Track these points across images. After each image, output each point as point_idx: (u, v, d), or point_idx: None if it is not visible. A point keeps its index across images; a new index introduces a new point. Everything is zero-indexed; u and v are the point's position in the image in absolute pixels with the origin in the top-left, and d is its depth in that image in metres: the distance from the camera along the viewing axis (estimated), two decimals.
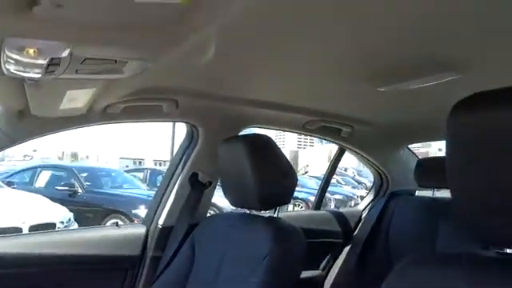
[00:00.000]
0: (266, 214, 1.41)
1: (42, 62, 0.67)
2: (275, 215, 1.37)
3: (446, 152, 0.69)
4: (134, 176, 7.91)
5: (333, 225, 2.13)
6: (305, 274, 1.99)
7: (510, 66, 1.08)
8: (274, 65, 1.20)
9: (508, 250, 0.69)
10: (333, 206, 10.09)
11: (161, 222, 1.60)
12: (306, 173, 17.77)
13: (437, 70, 1.13)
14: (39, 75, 0.74)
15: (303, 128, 1.80)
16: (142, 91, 1.24)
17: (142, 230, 1.60)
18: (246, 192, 1.32)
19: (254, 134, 1.45)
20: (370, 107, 1.67)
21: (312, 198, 8.95)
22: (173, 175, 1.64)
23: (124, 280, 1.53)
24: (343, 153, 2.15)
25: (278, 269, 1.17)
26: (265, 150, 1.35)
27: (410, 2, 0.79)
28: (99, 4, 0.52)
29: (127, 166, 15.37)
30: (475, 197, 0.65)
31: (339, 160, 2.18)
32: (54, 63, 0.68)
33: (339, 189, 11.66)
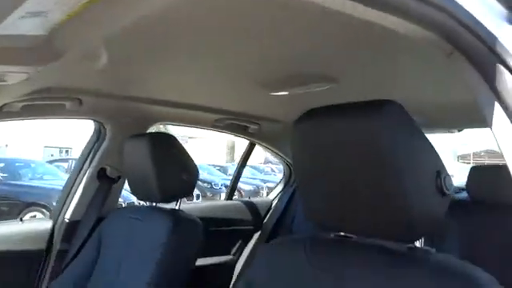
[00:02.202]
0: (170, 206, 1.51)
1: None
2: (177, 207, 1.48)
3: (291, 153, 0.84)
4: (59, 166, 7.55)
5: (244, 213, 2.29)
6: (217, 260, 2.13)
7: (370, 78, 1.29)
8: (174, 67, 1.28)
9: (341, 233, 0.86)
10: (265, 194, 10.44)
11: (68, 216, 1.63)
12: None
13: (314, 80, 1.30)
14: None
15: (212, 125, 1.92)
16: (40, 91, 1.27)
17: (48, 224, 1.62)
18: (148, 186, 1.42)
19: (157, 133, 1.54)
20: (272, 108, 1.82)
21: (245, 187, 9.22)
22: (80, 170, 1.68)
23: (29, 274, 1.55)
24: (253, 147, 2.31)
25: (173, 256, 1.28)
26: (166, 146, 1.45)
27: (285, 26, 0.91)
28: None
29: (52, 155, 14.46)
30: (315, 192, 0.81)
31: (250, 154, 2.34)
32: None
33: (272, 177, 12.05)
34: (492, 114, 0.56)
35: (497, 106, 0.58)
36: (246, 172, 11.63)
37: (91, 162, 1.66)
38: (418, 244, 0.79)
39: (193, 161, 1.51)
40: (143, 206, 1.62)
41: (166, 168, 1.41)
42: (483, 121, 0.63)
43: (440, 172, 0.73)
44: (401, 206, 0.69)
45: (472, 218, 1.79)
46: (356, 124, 0.70)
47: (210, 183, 9.01)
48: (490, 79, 0.58)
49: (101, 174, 1.67)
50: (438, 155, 0.75)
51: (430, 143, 0.74)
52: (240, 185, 8.84)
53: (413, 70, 1.25)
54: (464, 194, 1.91)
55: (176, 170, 1.43)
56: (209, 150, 18.45)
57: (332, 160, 0.75)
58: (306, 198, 0.84)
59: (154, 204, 1.52)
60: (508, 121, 0.58)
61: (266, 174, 12.69)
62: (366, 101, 0.73)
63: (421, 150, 0.72)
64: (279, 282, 0.82)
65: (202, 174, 9.94)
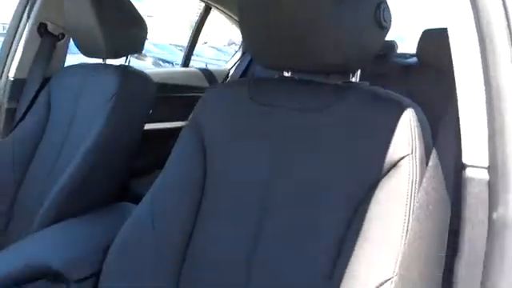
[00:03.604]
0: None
1: None
2: (126, 63, 1.44)
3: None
4: None
5: (201, 81, 2.28)
6: (172, 124, 2.18)
7: None
8: None
9: (286, 74, 0.89)
10: None
11: (12, 74, 1.56)
12: (205, 43, 17.35)
13: None
14: None
15: None
16: None
17: None
18: (94, 41, 1.35)
19: None
20: None
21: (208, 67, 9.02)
22: (19, 25, 1.55)
23: None
24: (209, 10, 2.19)
25: (124, 107, 1.29)
26: None
27: None
28: None
29: None
30: (259, 34, 0.80)
31: (205, 18, 2.23)
32: None
33: None
34: None
35: None
36: (210, 53, 11.28)
37: (29, 16, 1.53)
38: (353, 80, 0.83)
39: (140, 15, 1.43)
40: (92, 63, 1.56)
41: (112, 21, 1.32)
42: None
43: (380, 4, 0.73)
44: (339, 38, 0.71)
45: (419, 81, 1.87)
46: None
47: (171, 63, 8.74)
48: None
49: (41, 31, 1.55)
50: None
51: None
52: (203, 65, 8.65)
53: None
54: (414, 59, 1.97)
55: (122, 23, 1.35)
56: (170, 29, 17.46)
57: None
58: (250, 39, 0.84)
59: (103, 62, 1.47)
60: None
61: (229, 56, 12.37)
62: None
63: None
64: (223, 116, 0.86)
65: (163, 54, 9.57)
